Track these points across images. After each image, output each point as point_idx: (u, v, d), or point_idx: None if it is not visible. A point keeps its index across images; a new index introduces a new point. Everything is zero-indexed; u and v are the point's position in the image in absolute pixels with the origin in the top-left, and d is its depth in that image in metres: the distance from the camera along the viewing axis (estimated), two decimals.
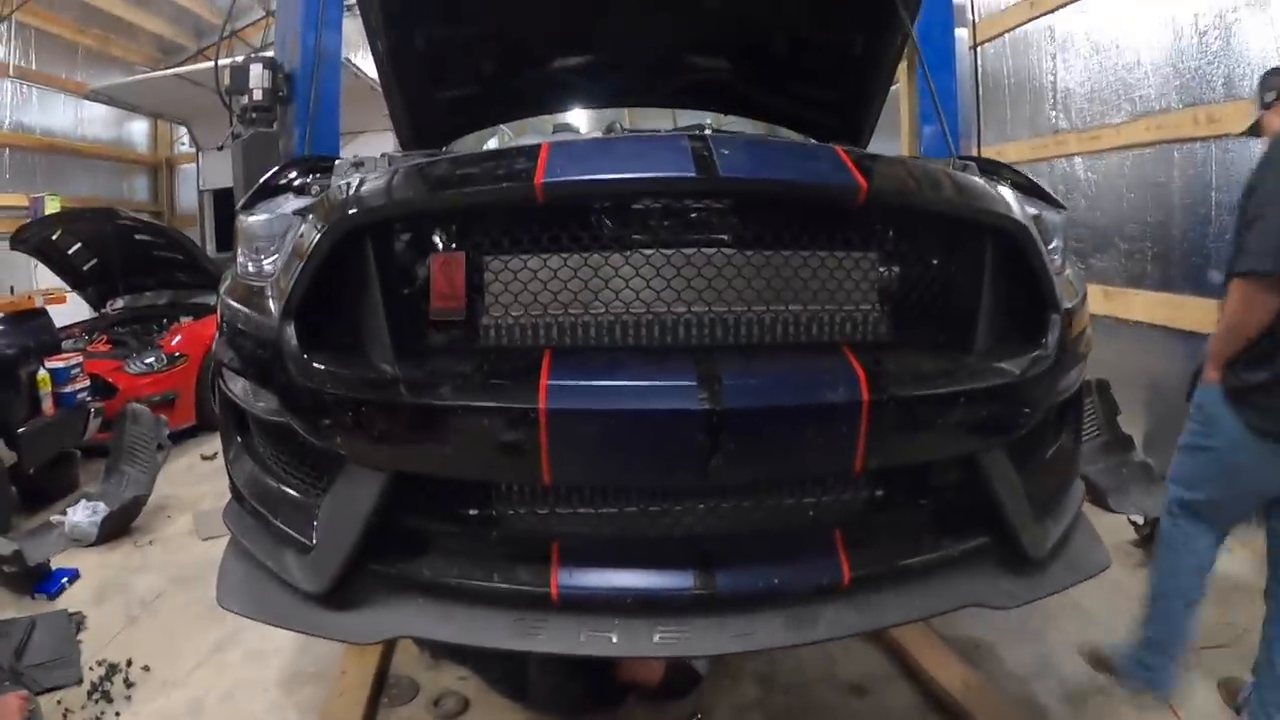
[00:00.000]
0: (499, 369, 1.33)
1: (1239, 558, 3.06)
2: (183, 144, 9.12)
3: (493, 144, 2.99)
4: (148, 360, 4.63)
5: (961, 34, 4.14)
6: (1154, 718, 2.26)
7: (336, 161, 1.78)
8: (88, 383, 3.92)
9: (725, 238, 1.37)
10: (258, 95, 3.10)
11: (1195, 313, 3.30)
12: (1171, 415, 3.60)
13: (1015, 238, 1.48)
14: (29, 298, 3.79)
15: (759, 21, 2.51)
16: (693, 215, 1.37)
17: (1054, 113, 4.17)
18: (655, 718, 2.27)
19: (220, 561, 1.68)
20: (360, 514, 1.36)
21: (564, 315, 1.39)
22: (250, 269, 1.58)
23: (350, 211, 1.38)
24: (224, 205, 8.39)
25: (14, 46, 7.09)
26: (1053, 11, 4.04)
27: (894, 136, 3.77)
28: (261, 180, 1.75)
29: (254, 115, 3.14)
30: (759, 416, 1.26)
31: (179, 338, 4.91)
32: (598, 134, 2.88)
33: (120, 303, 5.52)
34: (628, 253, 1.37)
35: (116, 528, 3.46)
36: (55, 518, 3.45)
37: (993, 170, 1.99)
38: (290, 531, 1.48)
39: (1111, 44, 3.70)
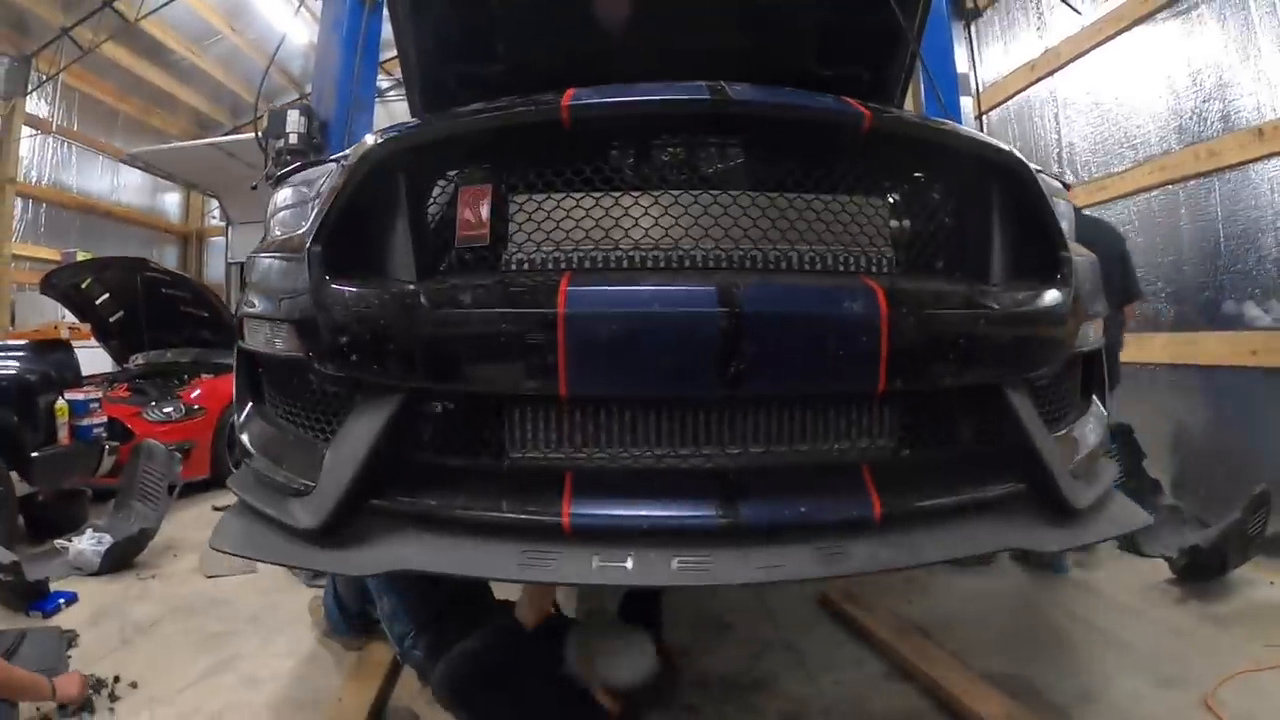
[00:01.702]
0: (519, 282, 1.35)
1: (1277, 587, 2.99)
2: (213, 217, 9.50)
3: None
4: (166, 409, 4.68)
5: (966, 103, 4.36)
6: None
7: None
8: (105, 419, 3.95)
9: (739, 168, 1.43)
10: (293, 139, 3.28)
11: (1211, 346, 3.31)
12: (1194, 454, 3.56)
13: (1018, 176, 1.51)
14: (55, 327, 3.87)
15: (768, 32, 2.57)
16: (709, 148, 1.43)
17: (1061, 169, 4.33)
18: None
19: (221, 523, 1.64)
20: (362, 447, 1.34)
21: (584, 245, 1.42)
22: (278, 234, 1.64)
23: (383, 140, 1.44)
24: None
25: (59, 106, 7.47)
26: (1052, 74, 4.26)
27: None
28: (295, 165, 1.84)
29: (289, 158, 3.31)
30: (778, 323, 1.25)
31: (199, 391, 4.99)
32: None
33: (142, 359, 5.61)
34: (645, 188, 1.42)
35: (121, 559, 3.41)
36: (60, 543, 3.42)
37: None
38: (295, 477, 1.47)
39: (1111, 98, 3.88)
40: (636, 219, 1.42)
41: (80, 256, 5.78)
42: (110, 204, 8.26)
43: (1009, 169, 1.51)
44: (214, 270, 9.53)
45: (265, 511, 1.46)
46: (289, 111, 3.33)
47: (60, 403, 3.62)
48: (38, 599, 2.92)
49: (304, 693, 2.50)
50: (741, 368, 1.23)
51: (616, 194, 1.42)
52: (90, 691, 2.30)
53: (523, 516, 1.30)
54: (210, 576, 3.43)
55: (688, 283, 1.32)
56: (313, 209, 1.52)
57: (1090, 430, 1.76)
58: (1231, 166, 3.15)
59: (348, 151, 1.58)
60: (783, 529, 1.30)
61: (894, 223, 1.52)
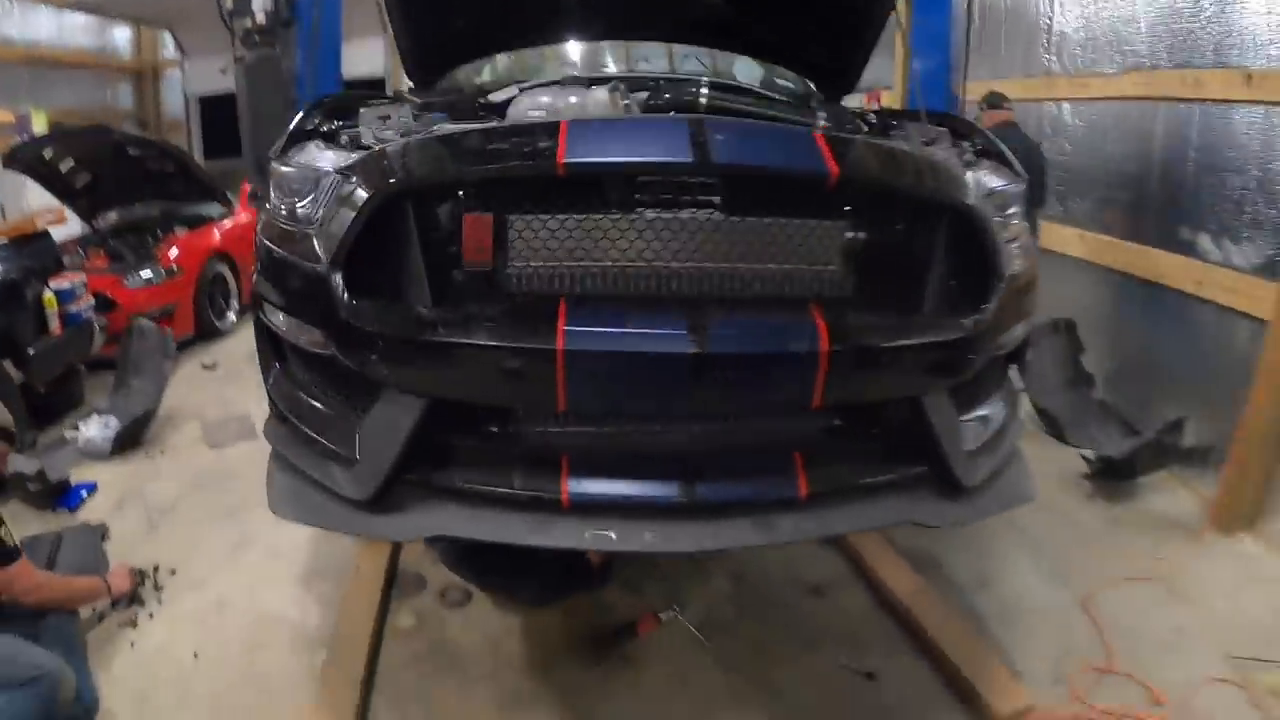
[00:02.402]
0: (523, 313, 1.56)
1: (1180, 497, 3.37)
2: (167, 50, 8.84)
3: (488, 74, 3.04)
4: (145, 274, 4.72)
5: None
6: (1077, 630, 2.57)
7: (361, 111, 1.91)
8: (92, 300, 4.04)
9: (714, 205, 1.57)
10: (260, 18, 3.11)
11: (1162, 265, 3.46)
12: (1131, 359, 3.83)
13: (967, 216, 1.69)
14: (31, 220, 3.85)
15: None
16: (689, 186, 1.57)
17: (1047, 55, 4.20)
18: (639, 607, 2.56)
19: (266, 473, 1.89)
20: (401, 433, 1.60)
21: (576, 267, 1.60)
22: (284, 212, 1.75)
23: (394, 180, 1.58)
24: (212, 111, 8.26)
25: None
26: None
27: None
28: (291, 127, 1.90)
29: (257, 38, 3.16)
30: (734, 358, 1.52)
31: (175, 250, 4.99)
32: (604, 71, 2.96)
33: (113, 215, 5.53)
34: (631, 216, 1.57)
35: (128, 440, 3.63)
36: (68, 433, 3.62)
37: (964, 133, 2.14)
38: (334, 447, 1.71)
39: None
40: (621, 247, 1.60)
41: (35, 114, 5.50)
42: (59, 51, 7.63)
43: (961, 212, 1.68)
44: (173, 104, 8.99)
45: (315, 477, 1.72)
46: None
47: (48, 294, 3.69)
48: (61, 496, 3.14)
49: (323, 562, 2.87)
50: (704, 395, 1.53)
51: (604, 220, 1.59)
52: (136, 583, 2.60)
53: (531, 493, 1.61)
54: (215, 447, 3.72)
55: (665, 319, 1.54)
56: (322, 202, 1.66)
57: (1002, 408, 2.02)
58: (1215, 101, 3.12)
59: (352, 162, 1.69)
60: (730, 506, 1.63)
61: (847, 248, 1.69)
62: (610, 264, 1.59)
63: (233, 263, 5.44)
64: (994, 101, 4.11)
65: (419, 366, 1.59)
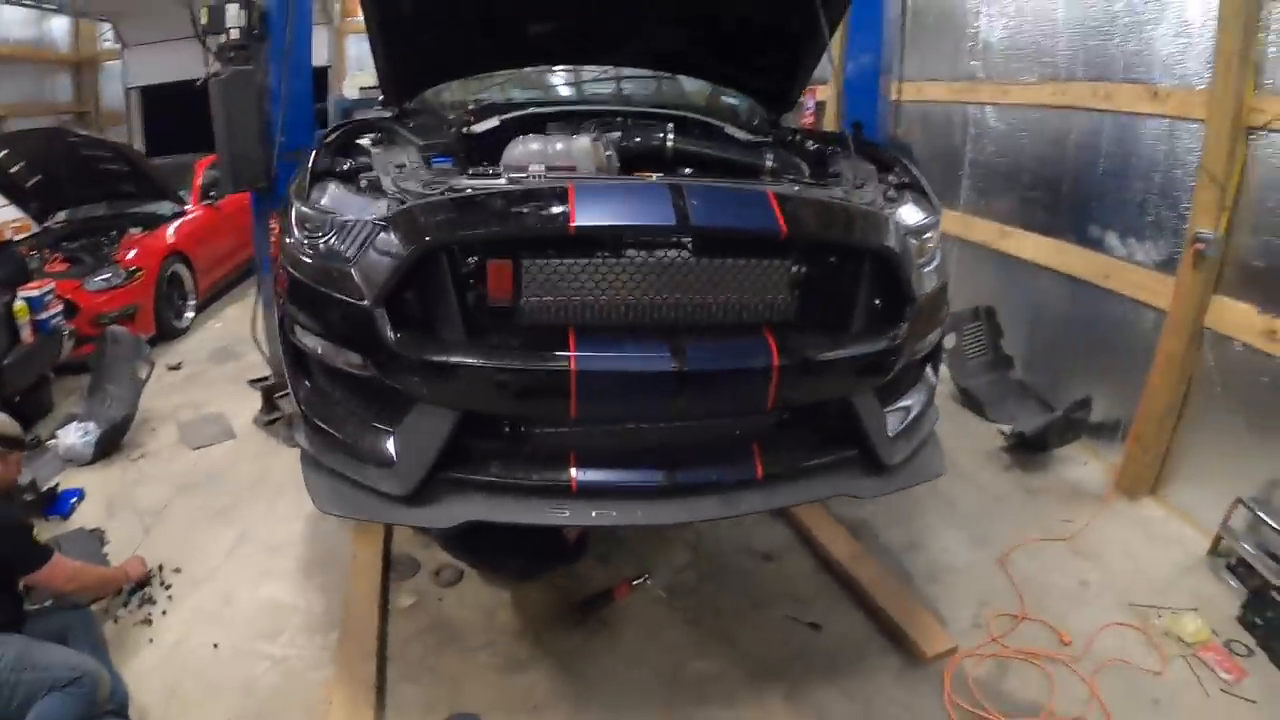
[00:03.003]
0: (539, 341, 1.86)
1: (1088, 467, 3.80)
2: (106, 40, 8.56)
3: (460, 93, 3.25)
4: (106, 277, 4.72)
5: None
6: (994, 584, 2.96)
7: (373, 154, 2.16)
8: (61, 307, 4.06)
9: (685, 248, 1.92)
10: (235, 34, 3.21)
11: (1077, 260, 3.84)
12: (1046, 343, 4.26)
13: (887, 257, 2.07)
14: None
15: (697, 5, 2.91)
16: (666, 235, 1.92)
17: (973, 61, 4.54)
18: (611, 578, 2.86)
19: (302, 477, 2.14)
20: (438, 439, 1.89)
21: (577, 301, 1.92)
22: (318, 250, 1.98)
23: (433, 236, 1.84)
24: (153, 103, 8.08)
25: None
26: None
27: None
28: (310, 169, 2.13)
29: (232, 54, 3.25)
30: (708, 373, 1.89)
31: (134, 251, 4.98)
32: (563, 90, 3.21)
33: (63, 215, 5.49)
34: (620, 258, 1.90)
35: (108, 445, 3.69)
36: (49, 441, 3.66)
37: (888, 165, 2.48)
38: (370, 452, 1.97)
39: (1033, 10, 4.05)
40: (612, 282, 1.92)
41: None
42: None
43: (883, 254, 2.06)
44: (112, 95, 8.70)
45: (352, 477, 1.98)
46: (227, 5, 3.18)
47: (19, 303, 3.71)
48: (52, 504, 3.21)
49: (320, 553, 3.06)
50: (684, 402, 1.89)
51: (600, 262, 1.90)
52: (144, 583, 2.75)
53: (546, 482, 1.94)
54: (196, 448, 3.81)
55: (651, 342, 1.88)
56: (356, 244, 1.91)
57: (919, 399, 2.41)
58: (1124, 113, 3.48)
59: (389, 216, 1.92)
60: (702, 487, 2.01)
61: (792, 285, 2.05)
62: (604, 298, 1.91)
63: (189, 261, 5.45)
64: None
65: (457, 386, 1.87)
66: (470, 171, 2.23)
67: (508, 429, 1.99)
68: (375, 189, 2.03)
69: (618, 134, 2.51)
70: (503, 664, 2.56)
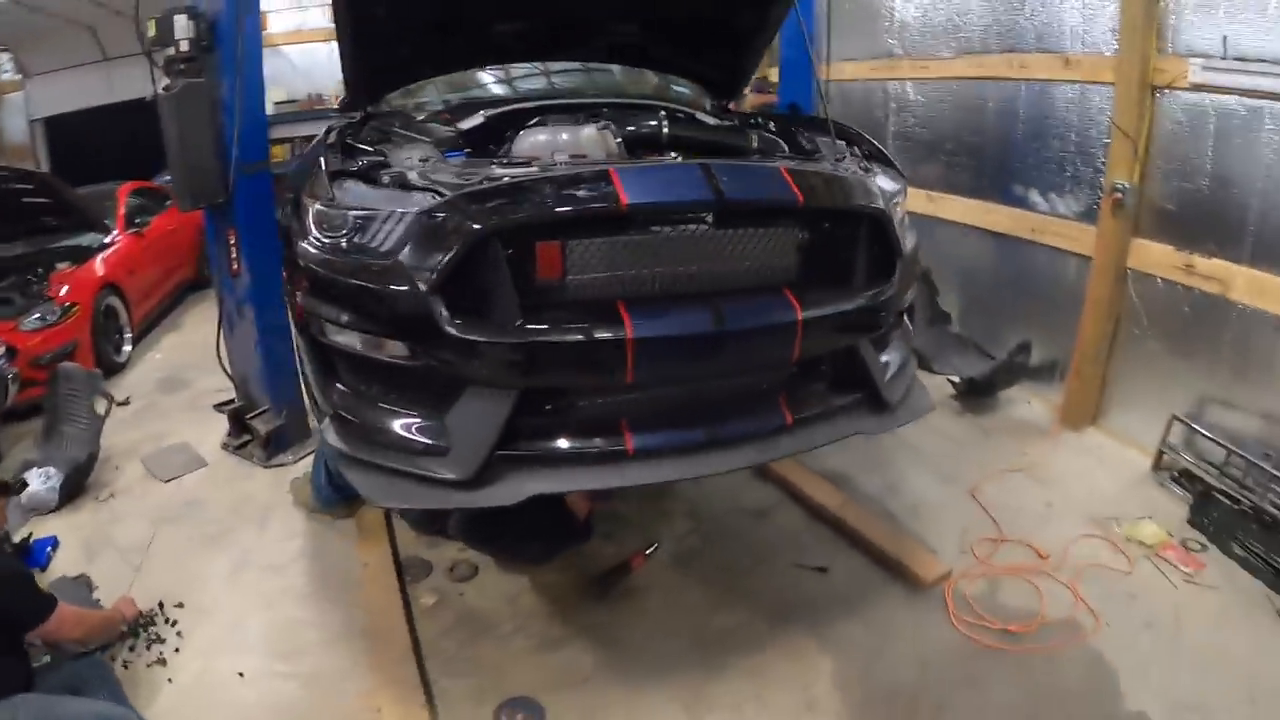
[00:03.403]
0: (592, 315, 1.96)
1: (1034, 407, 4.15)
2: (5, 72, 7.92)
3: (426, 94, 3.27)
4: (40, 315, 4.46)
5: None
6: (970, 514, 3.23)
7: (392, 153, 2.19)
8: (3, 349, 3.84)
9: (706, 223, 2.08)
10: (184, 46, 3.09)
11: (1003, 218, 4.19)
12: (980, 297, 4.61)
13: (879, 219, 2.29)
14: None
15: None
16: (696, 214, 2.07)
17: (890, 40, 4.85)
18: (620, 552, 2.97)
19: (353, 479, 2.13)
20: (498, 419, 1.96)
21: (620, 274, 2.03)
22: (338, 245, 2.01)
23: (492, 221, 1.91)
24: (58, 133, 7.61)
25: None
26: None
27: None
28: (326, 170, 2.14)
29: (181, 67, 3.14)
30: (746, 329, 2.05)
31: (66, 287, 4.71)
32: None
33: None
34: (650, 233, 2.03)
35: (74, 489, 3.50)
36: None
37: (854, 139, 2.69)
38: (419, 440, 2.01)
39: None
40: (645, 256, 2.05)
41: None
42: None
43: (876, 216, 2.29)
44: (14, 129, 8.05)
45: (402, 469, 2.01)
46: (175, 17, 3.06)
47: None
48: (26, 556, 3.01)
49: (323, 566, 3.01)
50: (725, 357, 2.05)
51: (638, 237, 2.02)
52: (148, 622, 2.63)
53: (605, 449, 2.05)
54: (168, 480, 3.66)
55: (693, 307, 2.02)
56: (388, 232, 1.95)
57: (903, 345, 2.64)
58: (1039, 80, 3.83)
59: (435, 205, 1.95)
60: (741, 438, 2.17)
61: (799, 249, 2.24)
62: (642, 270, 2.04)
63: (121, 292, 5.19)
64: (760, 87, 4.73)
65: (519, 364, 1.94)
66: (498, 161, 2.28)
67: (560, 402, 2.07)
68: (401, 184, 2.05)
69: (623, 126, 2.61)
70: (539, 645, 2.62)
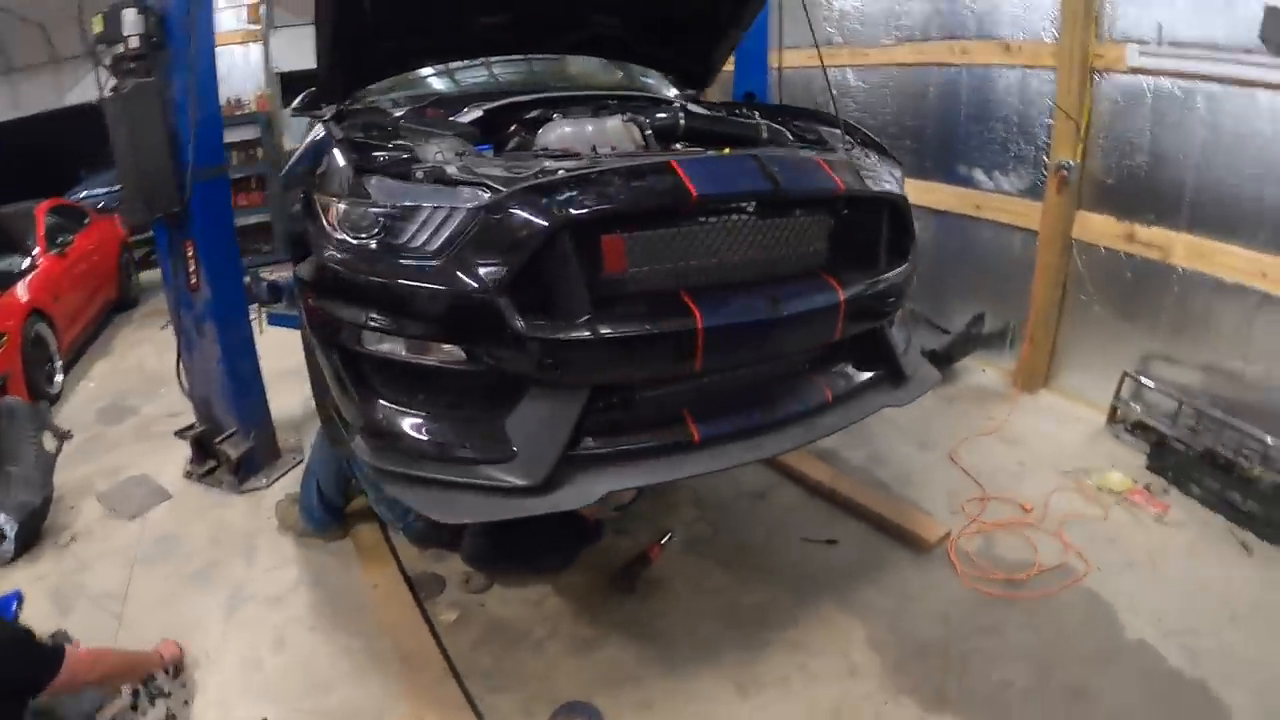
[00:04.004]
0: (663, 306, 1.95)
1: (989, 375, 4.42)
2: None
3: (403, 89, 3.15)
4: None
5: None
6: (953, 477, 3.42)
7: (421, 146, 2.10)
8: None
9: (748, 212, 2.12)
10: (134, 43, 2.84)
11: (946, 196, 4.42)
12: (927, 273, 4.83)
13: (899, 204, 2.41)
14: None
15: None
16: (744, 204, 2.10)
17: (830, 29, 5.02)
18: (635, 546, 2.99)
19: (403, 497, 2.03)
20: (569, 419, 1.92)
21: (681, 265, 2.04)
22: (375, 247, 1.91)
23: (567, 215, 1.85)
24: None
25: None
26: None
27: None
28: (350, 167, 2.04)
29: (131, 65, 2.88)
30: (799, 312, 2.10)
31: None
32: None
33: None
34: (697, 224, 2.04)
35: (30, 536, 3.18)
36: None
37: (848, 130, 2.79)
38: (485, 449, 1.94)
39: None
40: (695, 246, 2.06)
41: None
42: None
43: (897, 202, 2.41)
44: None
45: (461, 480, 1.93)
46: (124, 11, 2.79)
47: None
48: None
49: (331, 593, 2.87)
50: (782, 337, 2.11)
51: (685, 231, 2.03)
52: (148, 677, 2.38)
53: (671, 440, 2.05)
54: (132, 517, 3.40)
55: (755, 299, 2.05)
56: (435, 229, 1.87)
57: (907, 323, 2.78)
58: (980, 66, 4.07)
59: (496, 200, 1.88)
60: (791, 418, 2.24)
61: (829, 235, 2.32)
62: (700, 261, 2.05)
63: (49, 319, 4.76)
64: None
65: (593, 360, 1.90)
66: (543, 154, 2.23)
67: (624, 396, 2.05)
68: (440, 178, 1.96)
69: (646, 119, 2.58)
70: (577, 647, 2.61)
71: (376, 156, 2.07)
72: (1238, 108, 3.06)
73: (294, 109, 3.48)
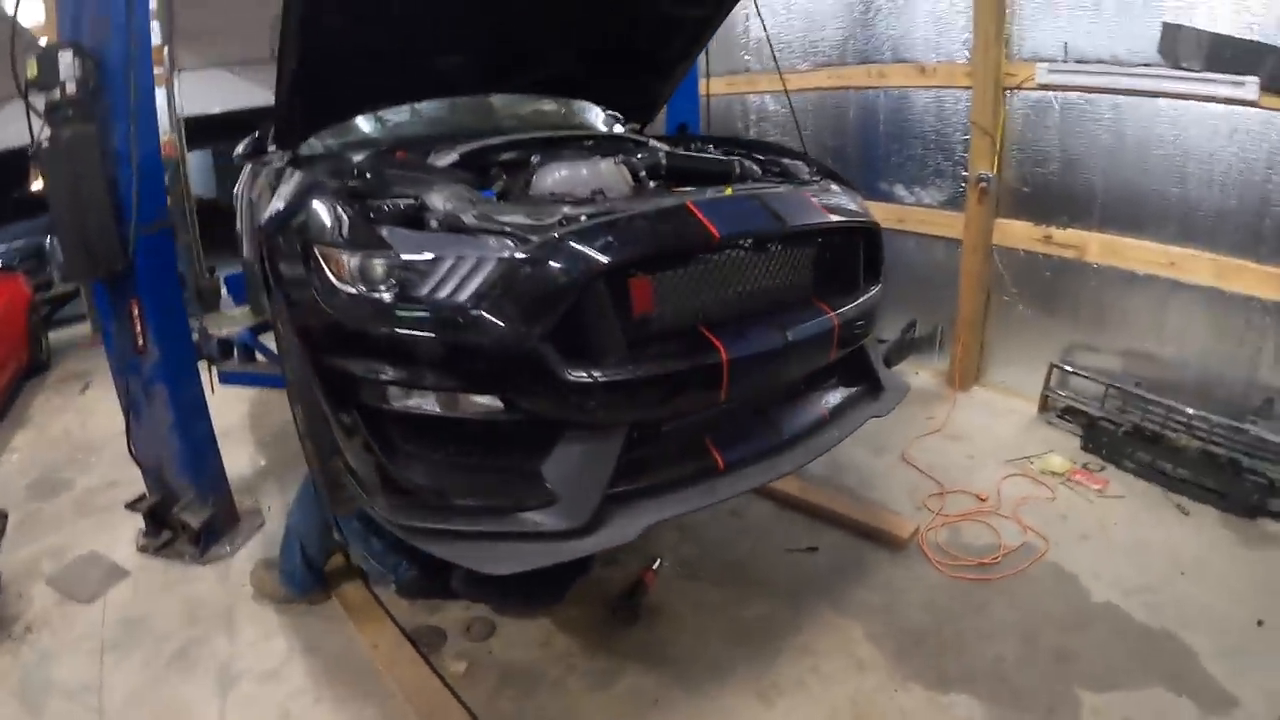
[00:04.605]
0: (688, 342, 2.04)
1: (922, 377, 4.71)
2: None
3: (367, 128, 3.12)
4: None
5: None
6: (909, 476, 3.66)
7: (430, 195, 2.10)
8: None
9: (744, 247, 2.23)
10: (70, 88, 2.66)
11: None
12: None
13: (874, 231, 2.61)
14: None
15: (596, 34, 3.19)
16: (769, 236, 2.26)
17: (746, 56, 5.27)
18: (625, 572, 3.03)
19: (437, 552, 1.98)
20: (610, 458, 1.96)
21: (699, 301, 2.14)
22: (379, 298, 1.88)
23: (607, 259, 1.90)
24: None
25: None
26: None
27: None
28: (351, 216, 2.01)
29: (70, 112, 2.70)
30: (805, 338, 2.25)
31: None
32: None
33: None
34: (704, 261, 2.15)
35: None
36: None
37: (807, 160, 2.98)
38: (523, 496, 1.94)
39: (804, 12, 4.84)
40: (705, 281, 2.16)
41: None
42: None
43: (873, 229, 2.61)
44: None
45: (498, 530, 1.94)
46: (60, 53, 2.62)
47: None
48: None
49: (328, 659, 2.76)
50: (790, 363, 2.24)
51: (693, 269, 2.12)
52: None
53: (697, 469, 2.14)
54: (90, 600, 3.13)
55: (769, 329, 2.18)
56: (462, 279, 1.86)
57: (875, 338, 2.96)
58: (897, 87, 4.38)
59: (531, 253, 1.89)
60: (797, 437, 2.36)
61: (813, 263, 2.48)
62: (715, 296, 2.16)
63: None
64: None
65: (633, 399, 1.95)
66: (554, 200, 2.26)
67: (653, 431, 2.11)
68: (455, 226, 1.95)
69: (634, 159, 2.67)
70: (596, 681, 2.63)
71: (382, 205, 2.04)
72: (1141, 116, 3.46)
73: (238, 155, 3.38)
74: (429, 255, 1.88)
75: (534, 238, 1.90)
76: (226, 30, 6.75)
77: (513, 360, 1.85)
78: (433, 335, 1.86)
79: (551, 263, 1.87)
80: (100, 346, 6.39)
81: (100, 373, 5.73)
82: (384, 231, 1.95)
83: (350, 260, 1.93)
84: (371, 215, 2.00)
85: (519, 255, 1.87)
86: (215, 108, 7.29)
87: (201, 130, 6.97)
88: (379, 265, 1.90)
